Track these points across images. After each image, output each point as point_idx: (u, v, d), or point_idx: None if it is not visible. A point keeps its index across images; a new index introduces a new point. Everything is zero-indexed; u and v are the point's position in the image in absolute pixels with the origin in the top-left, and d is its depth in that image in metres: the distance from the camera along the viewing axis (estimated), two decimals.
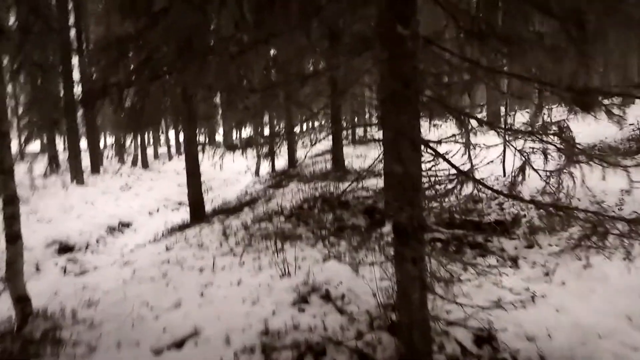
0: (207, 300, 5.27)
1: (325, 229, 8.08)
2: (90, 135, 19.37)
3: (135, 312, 5.10)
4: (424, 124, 7.57)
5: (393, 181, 3.41)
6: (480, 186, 3.51)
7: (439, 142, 3.63)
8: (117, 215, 14.67)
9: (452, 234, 7.27)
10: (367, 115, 24.30)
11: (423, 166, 3.53)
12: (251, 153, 18.59)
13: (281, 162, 20.03)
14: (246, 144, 16.62)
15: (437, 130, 8.84)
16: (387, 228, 7.35)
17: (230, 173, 21.52)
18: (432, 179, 3.51)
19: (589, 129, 9.65)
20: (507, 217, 8.37)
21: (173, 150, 30.45)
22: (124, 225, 14.49)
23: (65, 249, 11.72)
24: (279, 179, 15.32)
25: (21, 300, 5.38)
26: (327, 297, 4.81)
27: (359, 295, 4.83)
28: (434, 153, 3.51)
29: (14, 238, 5.30)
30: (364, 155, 17.26)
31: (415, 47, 3.25)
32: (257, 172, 19.88)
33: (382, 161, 6.50)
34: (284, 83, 7.18)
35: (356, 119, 22.90)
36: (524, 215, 8.09)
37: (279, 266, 5.95)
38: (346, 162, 15.02)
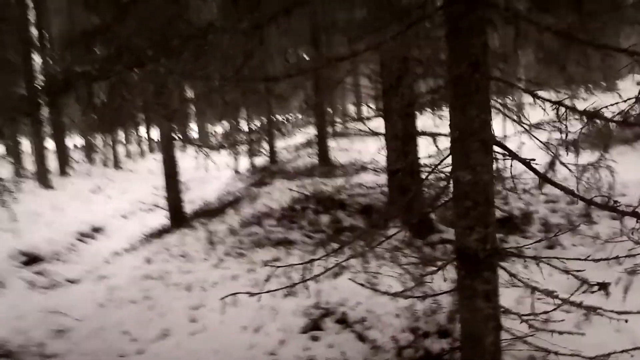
0: (200, 327, 4.52)
1: (323, 232, 7.38)
2: (57, 135, 18.24)
3: (116, 347, 4.31)
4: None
5: (459, 192, 2.68)
6: (565, 193, 2.79)
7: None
8: (88, 221, 13.68)
9: None
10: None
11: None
12: (230, 149, 17.76)
13: (260, 158, 19.18)
14: (226, 141, 15.84)
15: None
16: (393, 230, 6.67)
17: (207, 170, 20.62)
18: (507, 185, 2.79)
19: None
20: (516, 212, 7.80)
21: (145, 147, 29.25)
22: (97, 231, 13.52)
23: (32, 260, 10.71)
24: (261, 176, 14.52)
25: None
26: (344, 321, 4.12)
27: (381, 317, 4.15)
28: (507, 154, 2.77)
29: None
30: (348, 149, 16.55)
31: (486, 16, 2.51)
32: (236, 169, 19.00)
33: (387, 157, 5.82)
34: (267, 78, 6.47)
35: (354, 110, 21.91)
36: (536, 211, 7.52)
37: (279, 280, 5.21)
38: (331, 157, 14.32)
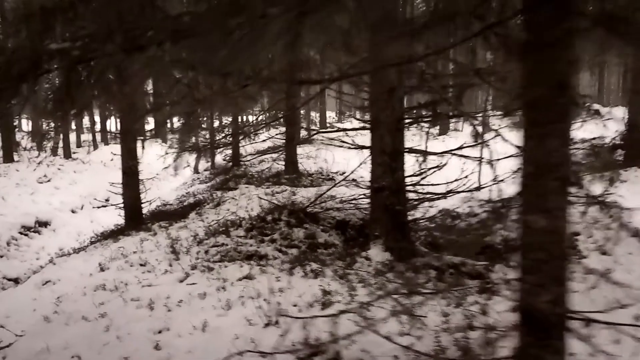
0: (165, 357, 3.93)
1: (296, 248, 6.88)
2: (4, 118, 16.95)
3: None
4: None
5: (530, 241, 2.24)
6: None
7: None
8: (33, 213, 12.70)
9: (445, 260, 6.31)
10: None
11: None
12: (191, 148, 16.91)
13: (221, 159, 18.45)
14: (187, 138, 15.04)
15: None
16: (374, 251, 6.26)
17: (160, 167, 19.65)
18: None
19: None
20: (495, 238, 7.54)
21: (98, 137, 27.82)
22: (42, 225, 12.57)
23: None
24: (224, 179, 13.87)
25: None
26: None
27: (377, 359, 3.68)
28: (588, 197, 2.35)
29: None
30: (314, 156, 16.09)
31: (579, 26, 2.09)
32: (195, 169, 18.23)
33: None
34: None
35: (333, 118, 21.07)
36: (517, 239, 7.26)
37: (256, 304, 4.69)
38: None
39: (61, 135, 20.45)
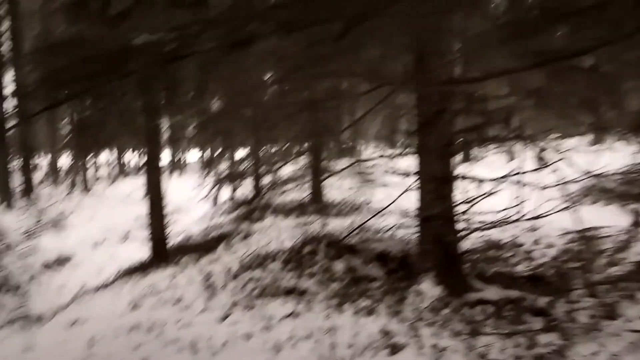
0: None
1: (336, 281, 6.46)
2: (24, 154, 16.91)
3: None
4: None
5: None
6: None
7: None
8: (53, 248, 12.39)
9: (503, 295, 5.84)
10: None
11: None
12: (209, 178, 16.71)
13: (242, 190, 18.10)
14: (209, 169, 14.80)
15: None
16: (425, 285, 5.81)
17: (180, 199, 19.34)
18: None
19: None
20: (544, 269, 7.06)
21: (116, 171, 27.78)
22: (63, 261, 12.22)
23: None
24: (248, 211, 13.51)
25: None
26: None
27: None
28: None
29: None
30: (339, 185, 15.71)
31: None
32: (215, 201, 17.89)
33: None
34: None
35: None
36: (572, 269, 6.78)
37: (308, 346, 4.27)
38: None
39: (80, 170, 20.36)
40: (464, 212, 5.97)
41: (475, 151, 6.32)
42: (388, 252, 7.49)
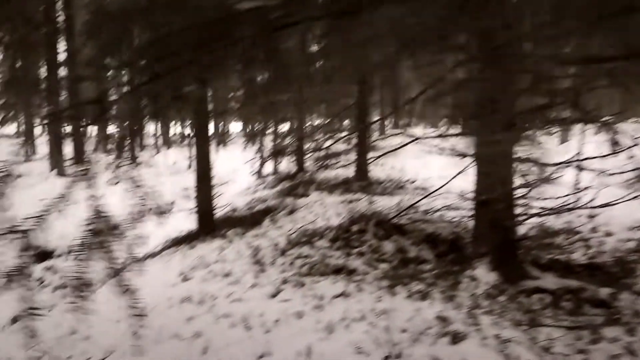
0: None
1: (386, 262, 6.34)
2: (75, 121, 17.27)
3: None
4: None
5: None
6: None
7: None
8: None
9: (562, 284, 5.59)
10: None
11: None
12: (253, 151, 16.69)
13: (285, 164, 18.08)
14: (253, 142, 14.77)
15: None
16: (480, 271, 5.62)
17: (224, 171, 19.53)
18: None
19: None
20: (603, 257, 6.73)
21: (160, 142, 28.23)
22: (112, 228, 12.50)
23: (42, 255, 9.73)
24: (292, 186, 13.48)
25: None
26: None
27: None
28: None
29: None
30: (382, 163, 15.48)
31: None
32: (259, 173, 17.97)
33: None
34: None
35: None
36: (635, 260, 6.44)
37: (362, 329, 4.18)
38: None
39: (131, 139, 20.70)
40: (523, 197, 5.71)
41: (537, 133, 5.97)
42: (438, 234, 7.30)
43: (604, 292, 5.40)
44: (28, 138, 19.92)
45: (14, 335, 4.89)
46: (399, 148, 6.37)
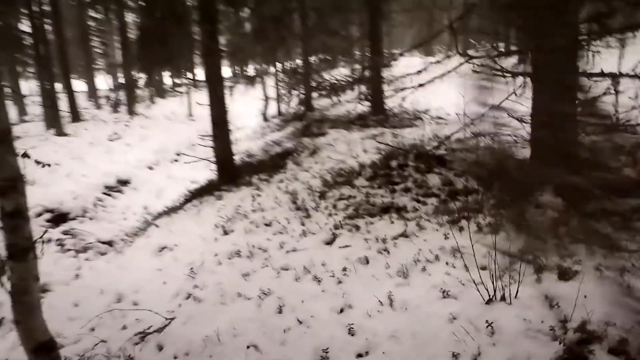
0: (363, 345, 3.12)
1: (434, 197, 5.95)
2: (66, 78, 16.45)
3: None
4: None
5: None
6: None
7: None
8: (112, 172, 12.20)
9: (629, 204, 5.21)
10: None
11: None
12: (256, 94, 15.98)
13: (288, 105, 17.41)
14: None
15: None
16: (546, 197, 5.23)
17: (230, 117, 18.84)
18: None
19: None
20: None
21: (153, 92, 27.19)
22: (123, 183, 12.07)
23: (58, 218, 9.33)
24: (306, 125, 12.92)
25: (42, 351, 3.14)
26: (622, 352, 2.71)
27: None
28: None
29: (21, 251, 3.00)
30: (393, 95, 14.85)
31: None
32: (264, 116, 17.34)
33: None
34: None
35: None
36: None
37: (443, 271, 3.82)
38: None
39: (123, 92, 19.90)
40: (587, 115, 5.23)
41: (600, 45, 5.43)
42: (480, 163, 6.89)
43: None
44: (16, 98, 19.08)
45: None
46: (443, 75, 5.79)
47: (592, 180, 5.66)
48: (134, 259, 6.03)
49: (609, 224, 5.07)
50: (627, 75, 5.23)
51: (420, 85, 6.19)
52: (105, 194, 11.26)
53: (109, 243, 8.91)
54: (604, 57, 5.68)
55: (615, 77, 5.08)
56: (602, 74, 5.03)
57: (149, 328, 3.81)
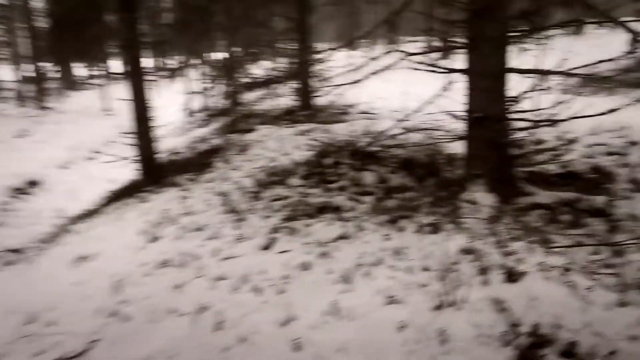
0: None
1: (370, 195, 5.86)
2: None
3: None
4: None
5: None
6: None
7: None
8: (20, 172, 11.24)
9: (558, 198, 5.39)
10: None
11: None
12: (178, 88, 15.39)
13: (213, 99, 16.84)
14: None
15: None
16: (478, 193, 5.28)
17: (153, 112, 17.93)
18: None
19: None
20: (582, 166, 6.61)
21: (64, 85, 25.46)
22: (33, 185, 11.14)
23: None
24: (233, 120, 12.51)
25: None
26: (571, 354, 2.69)
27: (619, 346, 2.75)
28: None
29: None
30: (324, 90, 14.73)
31: None
32: (189, 111, 16.67)
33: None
34: None
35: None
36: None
37: (387, 274, 3.71)
38: None
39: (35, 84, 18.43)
40: (517, 112, 5.33)
41: (532, 41, 5.54)
42: (412, 159, 6.90)
43: (600, 200, 5.28)
44: None
45: None
46: (385, 68, 5.66)
47: (521, 175, 5.77)
48: (48, 271, 5.48)
49: (539, 219, 5.19)
50: (554, 72, 5.38)
51: (356, 81, 6.07)
52: (12, 197, 10.35)
53: (18, 251, 8.15)
54: (533, 54, 5.78)
55: (542, 74, 5.20)
56: (530, 71, 5.13)
57: (69, 353, 3.41)
